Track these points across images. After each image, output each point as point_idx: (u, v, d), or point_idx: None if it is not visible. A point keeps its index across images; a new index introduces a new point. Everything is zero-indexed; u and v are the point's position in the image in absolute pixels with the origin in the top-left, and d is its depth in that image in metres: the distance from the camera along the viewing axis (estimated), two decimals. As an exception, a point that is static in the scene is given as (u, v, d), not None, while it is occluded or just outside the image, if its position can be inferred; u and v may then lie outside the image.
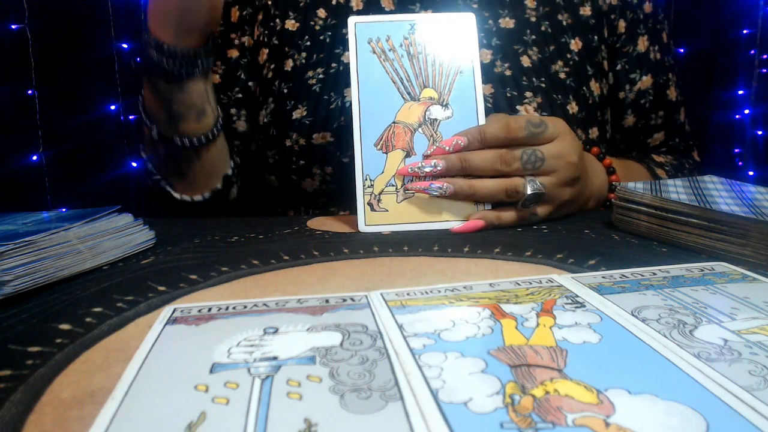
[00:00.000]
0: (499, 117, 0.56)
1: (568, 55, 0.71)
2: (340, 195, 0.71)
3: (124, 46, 1.03)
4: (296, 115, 0.69)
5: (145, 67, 0.63)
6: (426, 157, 0.56)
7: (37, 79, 0.99)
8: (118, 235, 0.48)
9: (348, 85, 0.68)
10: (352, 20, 0.58)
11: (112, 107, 1.04)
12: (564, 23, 0.72)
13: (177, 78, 0.62)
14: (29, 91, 0.98)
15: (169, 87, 0.63)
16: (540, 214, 0.56)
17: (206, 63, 0.64)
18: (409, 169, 0.55)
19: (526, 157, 0.54)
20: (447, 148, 0.55)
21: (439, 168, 0.54)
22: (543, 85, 0.69)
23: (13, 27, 0.96)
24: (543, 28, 0.71)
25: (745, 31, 1.07)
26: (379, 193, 0.56)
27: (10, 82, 0.97)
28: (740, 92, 1.08)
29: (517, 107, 0.67)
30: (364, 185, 0.57)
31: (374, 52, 0.58)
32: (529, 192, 0.53)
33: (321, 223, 0.60)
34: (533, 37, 0.71)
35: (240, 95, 0.76)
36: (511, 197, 0.54)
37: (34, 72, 0.98)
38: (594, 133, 0.73)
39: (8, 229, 0.45)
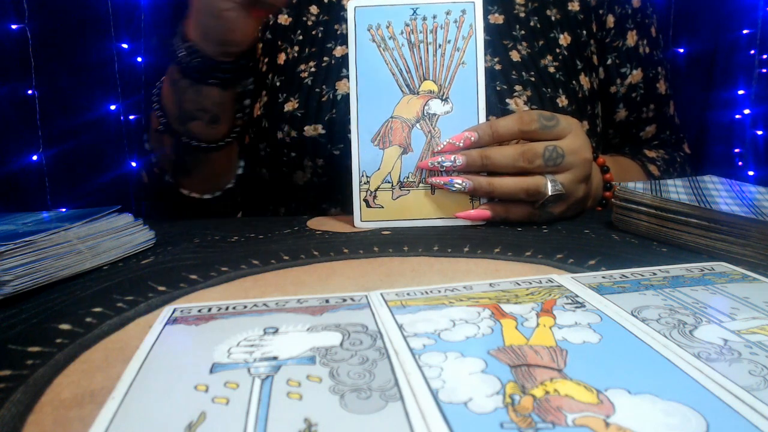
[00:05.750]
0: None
1: (557, 50, 0.72)
2: (331, 189, 0.71)
3: (124, 46, 1.03)
4: (288, 107, 0.70)
5: (170, 57, 0.62)
6: (436, 153, 0.55)
7: (37, 79, 0.99)
8: (118, 235, 0.48)
9: (339, 78, 0.68)
10: (351, 4, 0.56)
11: (112, 107, 1.04)
12: (553, 18, 0.72)
13: (193, 79, 0.61)
14: (29, 91, 0.98)
15: (185, 84, 0.62)
16: (554, 213, 0.56)
17: (228, 76, 0.62)
18: (429, 164, 0.55)
19: (548, 153, 0.53)
20: (458, 143, 0.54)
21: (458, 164, 0.54)
22: (532, 78, 0.69)
23: (13, 27, 0.96)
24: (532, 24, 0.71)
25: (745, 31, 1.07)
26: (375, 190, 0.56)
27: (10, 82, 0.97)
28: (740, 92, 1.08)
29: (507, 100, 0.67)
30: (360, 181, 0.56)
31: (374, 41, 0.56)
32: (550, 193, 0.53)
33: (321, 223, 0.60)
34: (522, 32, 0.71)
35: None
36: (532, 197, 0.54)
37: (34, 72, 0.98)
38: (584, 126, 0.73)
39: (8, 229, 0.45)
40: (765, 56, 1.06)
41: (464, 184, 0.54)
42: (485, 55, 0.68)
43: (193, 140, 0.64)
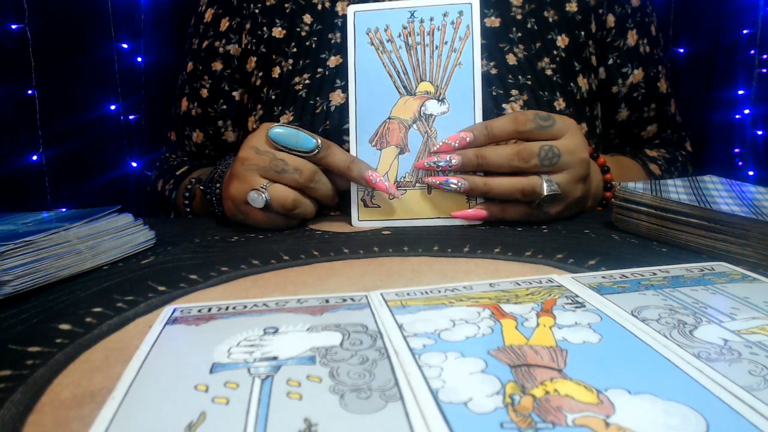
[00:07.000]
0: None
1: (555, 52, 0.71)
2: None
3: (124, 46, 1.03)
4: (283, 120, 0.70)
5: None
6: (432, 153, 0.55)
7: (37, 79, 0.99)
8: (118, 235, 0.48)
9: (333, 89, 0.68)
10: (351, 9, 0.57)
11: (112, 107, 1.04)
12: (550, 20, 0.72)
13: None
14: (29, 91, 0.98)
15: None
16: (551, 213, 0.56)
17: None
18: (426, 164, 0.55)
19: (543, 153, 0.53)
20: (453, 144, 0.54)
21: (454, 164, 0.54)
22: (529, 82, 0.69)
23: (13, 27, 0.96)
24: (529, 26, 0.71)
25: (745, 31, 1.06)
26: (372, 189, 0.57)
27: (10, 82, 0.97)
28: (740, 92, 1.08)
29: (503, 105, 0.67)
30: None
31: (372, 44, 0.57)
32: (546, 193, 0.53)
33: (321, 223, 0.60)
34: (519, 34, 0.71)
35: (225, 106, 0.78)
36: (527, 197, 0.54)
37: (34, 72, 0.98)
38: (582, 128, 0.73)
39: (8, 229, 0.45)
40: (765, 56, 1.06)
41: (460, 183, 0.54)
42: (481, 59, 0.68)
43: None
